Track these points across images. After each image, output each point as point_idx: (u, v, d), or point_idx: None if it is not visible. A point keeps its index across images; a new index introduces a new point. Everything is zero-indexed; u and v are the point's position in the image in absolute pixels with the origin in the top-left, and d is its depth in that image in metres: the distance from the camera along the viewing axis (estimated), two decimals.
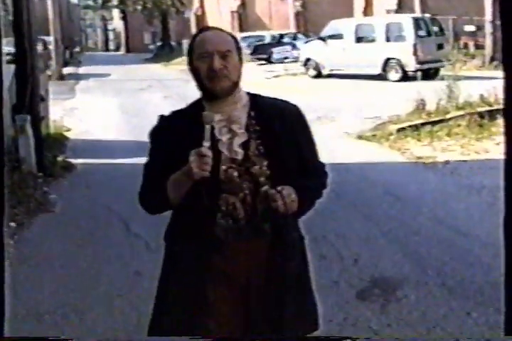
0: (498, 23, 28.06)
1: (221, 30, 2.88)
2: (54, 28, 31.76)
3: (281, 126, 2.84)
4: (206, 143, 2.65)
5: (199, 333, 2.78)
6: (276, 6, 46.47)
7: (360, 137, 13.01)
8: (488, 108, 13.83)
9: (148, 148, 2.94)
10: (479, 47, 33.18)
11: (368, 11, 39.80)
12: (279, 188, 2.70)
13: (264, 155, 2.81)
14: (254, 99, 2.91)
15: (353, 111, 15.97)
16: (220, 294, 2.83)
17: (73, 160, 10.63)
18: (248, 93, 2.93)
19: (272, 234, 2.86)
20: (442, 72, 22.44)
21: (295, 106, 2.97)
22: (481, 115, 13.32)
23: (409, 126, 13.09)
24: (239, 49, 2.86)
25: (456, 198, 8.52)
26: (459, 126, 13.04)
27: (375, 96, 18.52)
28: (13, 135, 9.36)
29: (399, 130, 12.99)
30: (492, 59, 27.08)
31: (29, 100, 9.82)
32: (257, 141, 2.82)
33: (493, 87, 13.56)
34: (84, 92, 24.11)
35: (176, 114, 2.92)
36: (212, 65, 2.73)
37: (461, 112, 13.67)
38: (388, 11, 36.07)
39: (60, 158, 10.57)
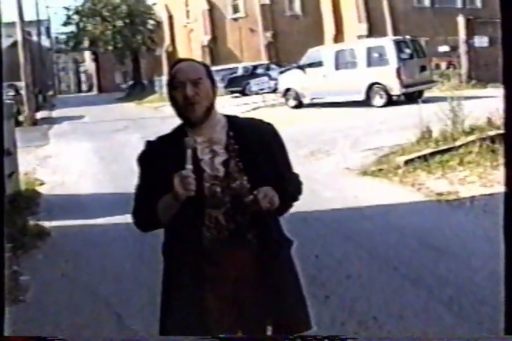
0: (471, 41, 27.53)
1: (193, 60, 3.09)
2: (25, 73, 30.22)
3: (257, 144, 2.98)
4: (189, 166, 2.83)
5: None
6: (246, 38, 45.12)
7: (364, 173, 11.33)
8: (498, 131, 12.15)
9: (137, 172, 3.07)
10: (450, 67, 32.20)
11: (338, 38, 38.69)
12: (254, 192, 2.84)
13: (243, 171, 2.96)
14: (232, 120, 3.06)
15: (347, 142, 14.30)
16: (211, 302, 2.95)
17: (47, 223, 8.79)
18: (225, 115, 3.08)
19: (255, 242, 2.97)
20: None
21: (270, 124, 3.11)
22: (492, 140, 11.65)
23: (418, 157, 11.44)
24: (210, 76, 3.00)
25: None
26: (470, 153, 11.38)
27: (366, 125, 16.86)
28: None
29: (406, 162, 11.36)
30: (469, 78, 25.98)
31: None
32: (236, 158, 2.96)
33: (497, 109, 11.93)
34: (58, 137, 22.12)
35: (160, 139, 3.08)
36: (185, 93, 2.90)
37: (471, 138, 12.00)
38: (359, 37, 34.84)
39: (31, 222, 8.75)
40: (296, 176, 3.18)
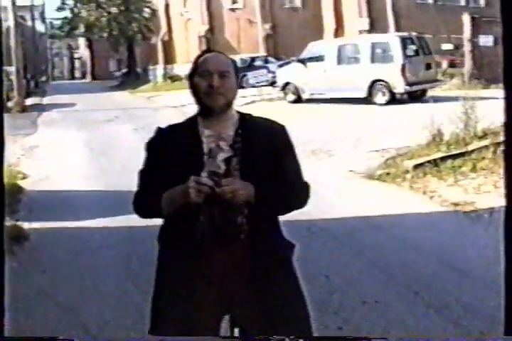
0: (476, 40, 26.80)
1: (222, 53, 3.07)
2: (16, 58, 29.35)
3: (264, 145, 2.94)
4: (204, 173, 2.84)
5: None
6: (245, 30, 44.24)
7: (370, 177, 10.56)
8: None
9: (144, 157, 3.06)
10: (453, 66, 31.51)
11: (338, 32, 37.87)
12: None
13: (242, 171, 2.90)
14: (244, 117, 3.04)
15: (350, 142, 13.53)
16: (201, 296, 2.92)
17: (27, 225, 8.02)
18: (239, 112, 3.06)
19: (248, 243, 2.92)
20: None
21: (281, 126, 3.08)
22: None
23: (428, 162, 10.66)
24: (236, 72, 3.01)
25: None
26: (483, 159, 10.65)
27: (369, 123, 16.09)
28: None
29: (415, 166, 10.58)
30: (472, 77, 25.22)
31: None
32: (238, 157, 2.92)
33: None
34: (46, 126, 21.22)
35: (172, 127, 3.06)
36: (211, 83, 2.89)
37: (484, 142, 11.23)
38: (360, 32, 34.08)
39: (9, 223, 7.93)
40: (304, 185, 3.08)
